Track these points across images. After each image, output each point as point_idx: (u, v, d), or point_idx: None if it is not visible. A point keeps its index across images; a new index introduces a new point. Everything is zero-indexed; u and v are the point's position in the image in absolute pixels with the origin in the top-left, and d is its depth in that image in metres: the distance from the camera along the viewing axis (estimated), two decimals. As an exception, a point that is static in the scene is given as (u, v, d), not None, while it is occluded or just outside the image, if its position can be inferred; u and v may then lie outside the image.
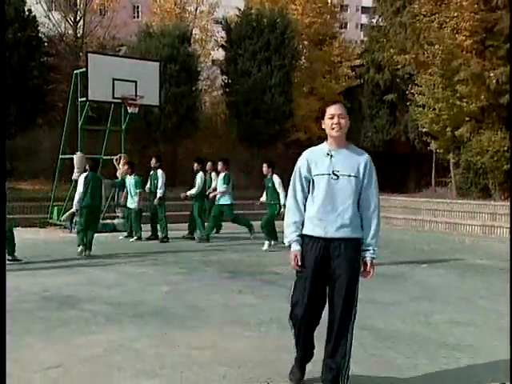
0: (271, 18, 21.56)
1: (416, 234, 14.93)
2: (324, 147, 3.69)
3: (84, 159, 12.55)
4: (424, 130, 18.47)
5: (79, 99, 13.71)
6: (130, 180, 12.01)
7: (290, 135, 22.78)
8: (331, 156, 3.60)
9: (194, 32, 24.19)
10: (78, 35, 22.79)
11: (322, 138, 3.84)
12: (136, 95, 13.31)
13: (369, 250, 3.60)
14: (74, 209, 10.35)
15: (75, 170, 12.95)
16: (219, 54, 25.10)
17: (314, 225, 3.58)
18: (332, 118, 3.60)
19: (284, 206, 9.09)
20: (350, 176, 3.56)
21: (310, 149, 3.77)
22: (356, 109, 22.65)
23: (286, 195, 10.03)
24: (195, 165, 12.16)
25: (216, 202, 11.43)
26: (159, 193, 11.64)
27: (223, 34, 23.27)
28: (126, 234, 12.33)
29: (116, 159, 13.58)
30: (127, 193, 12.22)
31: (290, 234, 3.65)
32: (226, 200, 11.32)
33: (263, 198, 11.11)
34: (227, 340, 4.85)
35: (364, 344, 4.66)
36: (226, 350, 4.56)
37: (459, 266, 9.47)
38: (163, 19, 24.73)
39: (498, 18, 16.79)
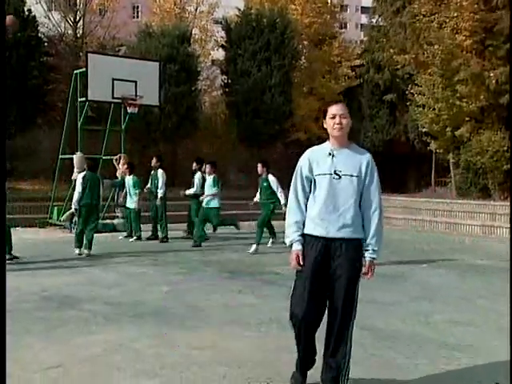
0: (271, 18, 21.57)
1: (416, 234, 14.93)
2: (326, 147, 3.67)
3: (84, 159, 12.55)
4: (424, 129, 18.48)
5: (79, 99, 13.71)
6: (129, 180, 12.02)
7: (289, 135, 22.79)
8: (333, 156, 3.59)
9: (193, 32, 24.21)
10: (78, 35, 22.81)
11: (321, 137, 3.84)
12: (136, 95, 13.31)
13: (368, 249, 3.58)
14: (72, 209, 10.37)
15: (75, 170, 12.94)
16: (219, 54, 25.11)
17: (316, 224, 3.56)
18: (333, 117, 3.59)
19: (285, 205, 9.06)
20: (352, 176, 3.54)
21: (311, 148, 3.75)
22: (356, 109, 22.63)
23: (283, 194, 10.12)
24: (194, 164, 12.17)
25: (204, 205, 11.14)
26: (160, 193, 11.63)
27: (223, 33, 23.28)
28: (125, 234, 12.34)
29: (116, 159, 13.58)
30: (126, 193, 12.23)
31: (291, 234, 3.63)
32: (215, 203, 11.09)
33: (257, 198, 11.05)
34: (227, 340, 4.84)
35: (364, 344, 4.65)
36: (226, 350, 4.55)
37: (459, 266, 9.47)
38: (163, 19, 24.75)
39: (498, 18, 16.79)
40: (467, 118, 17.39)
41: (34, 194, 15.90)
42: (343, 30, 31.84)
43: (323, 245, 3.54)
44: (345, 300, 3.52)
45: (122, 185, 12.52)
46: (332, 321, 3.59)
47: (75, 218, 11.29)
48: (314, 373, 3.79)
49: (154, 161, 12.04)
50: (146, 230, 12.01)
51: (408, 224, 16.52)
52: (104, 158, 14.04)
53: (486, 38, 17.33)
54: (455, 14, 16.87)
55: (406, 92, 18.90)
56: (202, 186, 11.53)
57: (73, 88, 13.95)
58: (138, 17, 35.02)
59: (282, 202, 10.14)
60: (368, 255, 3.58)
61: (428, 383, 3.99)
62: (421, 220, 16.44)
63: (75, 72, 14.02)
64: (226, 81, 22.88)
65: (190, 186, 12.01)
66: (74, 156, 13.11)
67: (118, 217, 13.90)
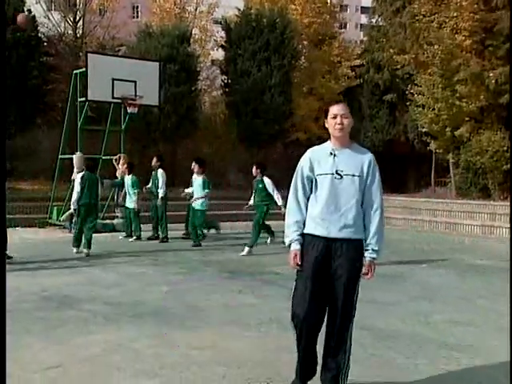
0: (271, 17, 21.56)
1: (416, 234, 14.93)
2: (327, 146, 3.66)
3: (83, 159, 12.55)
4: (423, 129, 18.48)
5: (79, 99, 13.70)
6: (128, 180, 12.02)
7: (289, 135, 22.79)
8: (335, 155, 3.58)
9: (193, 32, 24.19)
10: (78, 35, 22.81)
11: (321, 137, 3.84)
12: (135, 95, 13.30)
13: (368, 249, 3.57)
14: (71, 209, 10.37)
15: (75, 170, 12.94)
16: (219, 54, 25.10)
17: (317, 223, 3.55)
18: (335, 117, 3.58)
19: (284, 206, 9.04)
20: (353, 176, 3.53)
21: (312, 148, 3.74)
22: (356, 109, 22.61)
23: (280, 196, 10.08)
24: (193, 164, 12.15)
25: (197, 208, 11.10)
26: (160, 192, 11.62)
27: (223, 33, 23.27)
28: (125, 233, 12.33)
29: (115, 159, 13.58)
30: (126, 193, 12.22)
31: (290, 234, 3.62)
32: (203, 206, 11.05)
33: (252, 202, 10.90)
34: (227, 340, 4.84)
35: (364, 344, 4.65)
36: (226, 350, 4.55)
37: (459, 266, 9.47)
38: (163, 19, 24.75)
39: (498, 17, 16.80)
40: (467, 118, 17.40)
41: (34, 194, 15.90)
42: (343, 30, 31.86)
43: (324, 245, 3.53)
44: (345, 300, 3.52)
45: (122, 185, 12.52)
46: (332, 320, 3.58)
47: (75, 218, 11.29)
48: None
49: (154, 160, 12.03)
50: (146, 230, 12.00)
51: (408, 224, 16.52)
52: (104, 158, 14.03)
53: (485, 38, 17.34)
54: (455, 14, 16.88)
55: (406, 92, 18.91)
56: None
57: (72, 88, 13.95)
58: (137, 17, 34.99)
59: (279, 203, 10.03)
60: (368, 255, 3.57)
61: (428, 383, 3.99)
62: (421, 220, 16.44)
63: (75, 72, 14.01)
64: (225, 81, 22.87)
65: (189, 185, 12.01)
66: (74, 156, 13.11)
67: (117, 217, 13.89)
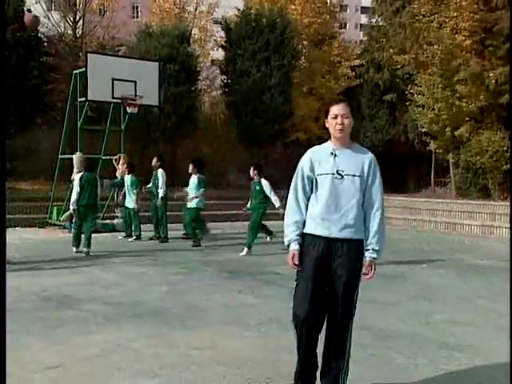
0: (270, 17, 21.56)
1: (416, 234, 14.93)
2: (328, 146, 3.65)
3: (83, 159, 12.55)
4: (423, 129, 18.48)
5: (79, 99, 13.70)
6: (127, 180, 12.03)
7: (289, 135, 22.79)
8: (335, 155, 3.57)
9: (193, 32, 24.21)
10: (78, 35, 22.80)
11: (321, 138, 3.84)
12: (135, 95, 13.30)
13: (368, 249, 3.56)
14: (70, 209, 10.37)
15: (75, 170, 12.94)
16: (218, 54, 25.10)
17: (317, 223, 3.54)
18: (335, 117, 3.58)
19: (283, 207, 9.01)
20: (354, 176, 3.52)
21: (313, 148, 3.73)
22: (355, 109, 22.61)
23: (277, 197, 10.06)
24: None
25: (189, 206, 11.12)
26: (160, 192, 11.62)
27: (222, 34, 23.26)
28: (125, 233, 12.33)
29: (115, 159, 13.58)
30: (125, 193, 12.22)
31: (290, 234, 3.61)
32: (197, 204, 11.05)
33: (249, 205, 10.74)
34: (227, 340, 4.84)
35: (363, 344, 4.65)
36: (226, 350, 4.55)
37: (459, 266, 9.47)
38: (162, 19, 24.73)
39: (498, 17, 16.80)
40: (467, 118, 17.40)
41: (34, 194, 15.90)
42: (343, 30, 31.83)
43: (325, 245, 3.52)
44: (345, 300, 3.51)
45: (122, 185, 12.52)
46: (332, 320, 3.57)
47: (75, 218, 11.30)
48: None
49: (154, 160, 12.03)
50: (146, 230, 12.00)
51: (408, 224, 16.52)
52: (104, 158, 14.04)
53: (485, 38, 17.35)
54: (455, 14, 16.88)
55: (406, 92, 18.90)
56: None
57: (72, 88, 13.95)
58: (137, 17, 34.99)
59: (277, 205, 9.95)
60: (368, 255, 3.56)
61: (428, 383, 3.99)
62: (421, 220, 16.44)
63: (75, 72, 14.01)
64: (225, 81, 22.86)
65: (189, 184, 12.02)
66: (74, 156, 13.10)
67: (117, 217, 13.89)
